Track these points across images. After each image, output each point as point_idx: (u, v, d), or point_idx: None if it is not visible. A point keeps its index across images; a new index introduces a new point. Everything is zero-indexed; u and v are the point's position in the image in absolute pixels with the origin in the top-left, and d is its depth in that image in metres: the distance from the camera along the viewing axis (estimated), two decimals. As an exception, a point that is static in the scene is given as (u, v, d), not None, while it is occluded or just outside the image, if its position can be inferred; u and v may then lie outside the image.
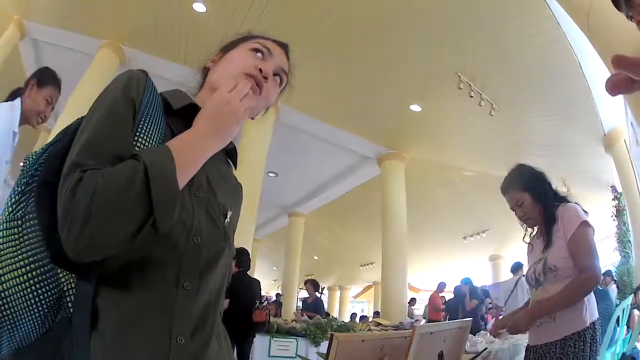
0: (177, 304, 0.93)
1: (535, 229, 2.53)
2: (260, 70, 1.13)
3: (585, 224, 2.24)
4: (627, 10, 1.51)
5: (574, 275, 2.20)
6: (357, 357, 1.63)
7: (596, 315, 2.25)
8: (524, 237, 2.60)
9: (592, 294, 2.27)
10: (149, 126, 0.94)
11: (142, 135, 0.92)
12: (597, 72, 7.10)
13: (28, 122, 2.86)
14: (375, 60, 7.71)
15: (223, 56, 1.19)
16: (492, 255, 20.97)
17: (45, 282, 0.87)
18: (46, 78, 2.89)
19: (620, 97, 2.58)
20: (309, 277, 10.72)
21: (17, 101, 2.78)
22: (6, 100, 2.82)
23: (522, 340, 3.02)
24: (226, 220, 1.09)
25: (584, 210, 2.32)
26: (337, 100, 8.88)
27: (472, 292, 12.08)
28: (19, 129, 2.78)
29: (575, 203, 2.36)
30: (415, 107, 9.11)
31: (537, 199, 2.39)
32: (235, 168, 1.25)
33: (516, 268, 9.05)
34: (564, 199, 2.40)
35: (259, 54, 1.17)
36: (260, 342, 6.26)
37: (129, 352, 0.86)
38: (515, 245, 18.85)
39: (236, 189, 1.23)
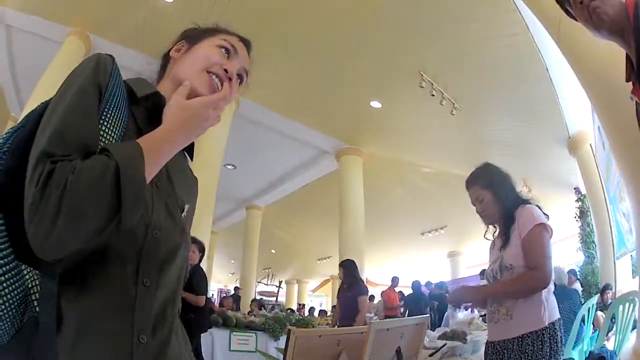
0: (138, 301, 0.92)
1: (497, 227, 2.57)
2: (226, 70, 1.13)
3: (541, 226, 2.28)
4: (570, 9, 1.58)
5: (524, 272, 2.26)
6: (314, 352, 1.64)
7: (556, 316, 2.29)
8: (485, 234, 2.64)
9: (552, 294, 2.32)
10: (113, 113, 0.92)
11: (105, 124, 0.90)
12: (564, 75, 7.20)
13: None
14: (337, 56, 7.72)
15: (189, 49, 1.17)
16: (450, 252, 21.35)
17: (12, 280, 0.84)
18: None
19: (587, 101, 2.67)
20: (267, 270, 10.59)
21: None
22: None
23: (482, 336, 3.06)
24: (183, 214, 1.08)
25: (544, 214, 2.36)
26: (298, 94, 8.86)
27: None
28: None
29: (537, 206, 2.40)
30: (376, 104, 9.16)
31: (497, 198, 2.43)
32: (192, 160, 1.24)
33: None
34: (526, 202, 2.44)
35: (225, 52, 1.16)
36: (220, 337, 6.21)
37: (92, 354, 0.85)
38: (474, 241, 19.20)
39: (193, 182, 1.23)
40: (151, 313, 0.95)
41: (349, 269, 6.22)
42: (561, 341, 2.24)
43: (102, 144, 0.87)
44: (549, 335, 2.19)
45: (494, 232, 2.60)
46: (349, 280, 6.14)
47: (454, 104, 8.75)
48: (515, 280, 2.24)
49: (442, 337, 2.60)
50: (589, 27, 1.58)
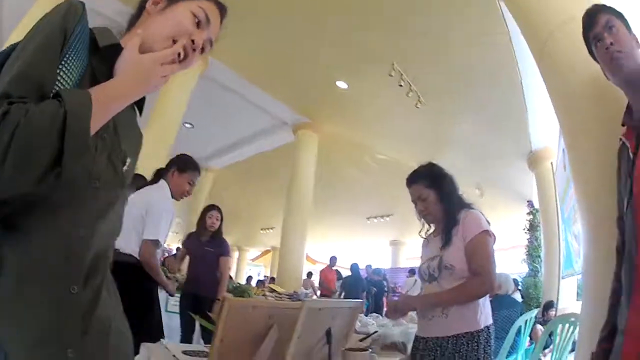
0: (73, 251, 0.93)
1: (433, 226, 2.61)
2: (193, 41, 1.13)
3: (486, 232, 2.32)
4: (601, 34, 1.71)
5: (469, 277, 2.30)
6: (247, 323, 1.66)
7: (490, 321, 2.35)
8: (420, 232, 2.67)
9: (487, 301, 2.38)
10: (72, 60, 0.93)
11: (64, 69, 0.91)
12: (537, 91, 7.24)
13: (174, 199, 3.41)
14: (312, 31, 7.61)
15: (166, 7, 1.16)
16: (393, 240, 21.70)
17: None
18: (186, 164, 3.49)
19: (556, 122, 2.74)
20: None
21: (163, 183, 3.34)
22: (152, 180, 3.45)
23: (415, 328, 3.17)
24: (124, 168, 1.09)
25: (487, 221, 2.40)
26: (267, 63, 8.72)
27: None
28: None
29: (480, 212, 2.44)
30: (342, 84, 9.13)
31: (441, 198, 2.46)
32: (140, 115, 1.23)
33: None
34: (468, 206, 2.49)
35: (197, 21, 1.16)
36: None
37: (25, 304, 0.86)
38: (417, 234, 19.53)
39: (138, 137, 1.23)
40: (85, 263, 0.96)
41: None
42: (491, 347, 2.30)
43: (57, 88, 0.88)
44: (484, 338, 2.26)
45: (428, 231, 2.65)
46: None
47: (420, 97, 8.78)
48: (462, 288, 2.27)
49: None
50: (606, 70, 1.73)
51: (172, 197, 3.38)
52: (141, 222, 3.13)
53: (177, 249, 15.38)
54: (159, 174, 3.51)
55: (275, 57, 8.45)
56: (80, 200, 0.95)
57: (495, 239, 2.36)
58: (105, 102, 0.92)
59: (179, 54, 1.10)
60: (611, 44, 1.66)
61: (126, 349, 1.14)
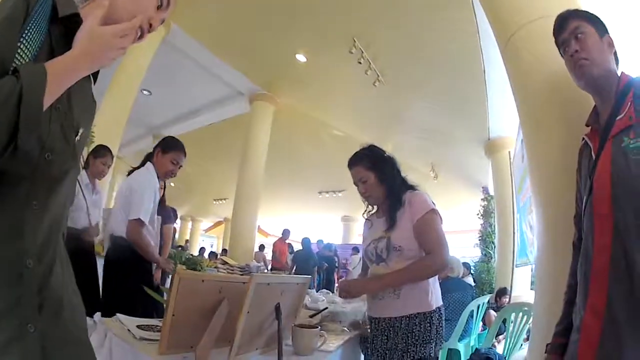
0: (26, 224, 0.93)
1: (375, 207, 2.64)
2: (150, 24, 1.15)
3: (433, 211, 2.35)
4: (568, 41, 1.76)
5: (418, 256, 2.33)
6: (198, 296, 1.67)
7: (441, 303, 2.40)
8: (363, 214, 2.70)
9: (437, 282, 2.43)
10: (32, 33, 0.93)
11: (24, 42, 0.91)
12: (500, 83, 7.37)
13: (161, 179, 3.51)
14: (275, 2, 7.49)
15: None
16: (344, 216, 21.93)
17: None
18: (170, 145, 3.55)
19: (516, 115, 2.80)
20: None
21: (149, 164, 3.43)
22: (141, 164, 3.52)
23: (365, 307, 3.22)
24: (77, 138, 1.08)
25: (432, 202, 2.42)
26: (227, 31, 8.53)
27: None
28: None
29: (425, 193, 2.47)
30: (301, 57, 9.06)
31: (381, 180, 2.48)
32: (94, 83, 1.23)
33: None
34: (412, 187, 2.51)
35: (159, 4, 1.17)
36: None
37: None
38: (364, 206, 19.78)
39: (91, 106, 1.21)
40: (39, 237, 0.96)
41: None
42: (443, 329, 2.37)
43: (16, 61, 0.88)
44: (436, 319, 2.32)
45: (370, 212, 2.68)
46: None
47: (378, 76, 8.79)
48: (414, 266, 2.30)
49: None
50: (571, 75, 1.77)
51: (158, 177, 3.43)
52: (127, 205, 3.19)
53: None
54: (147, 158, 3.62)
55: (236, 26, 8.30)
56: (34, 173, 0.94)
57: (442, 218, 2.41)
58: (60, 75, 0.92)
59: (137, 34, 1.11)
60: (576, 51, 1.71)
61: (80, 322, 1.14)
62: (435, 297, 2.36)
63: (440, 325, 2.34)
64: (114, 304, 2.66)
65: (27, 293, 0.91)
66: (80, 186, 4.00)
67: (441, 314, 2.36)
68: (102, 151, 4.43)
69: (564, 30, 1.79)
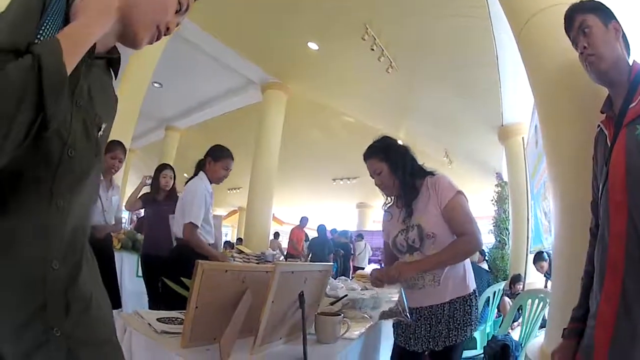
0: (51, 224, 0.92)
1: (393, 198, 2.62)
2: (168, 27, 1.15)
3: (460, 193, 2.34)
4: (577, 38, 1.76)
5: (452, 240, 2.32)
6: (221, 286, 1.67)
7: (474, 285, 2.42)
8: (383, 206, 2.69)
9: (469, 264, 2.43)
10: (49, 28, 0.90)
11: (40, 39, 0.88)
12: (513, 69, 7.24)
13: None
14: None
15: None
16: (359, 203, 21.89)
17: None
18: (218, 153, 3.95)
19: (529, 100, 2.78)
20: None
21: (201, 174, 3.89)
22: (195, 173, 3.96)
23: (384, 294, 3.14)
24: (100, 133, 1.07)
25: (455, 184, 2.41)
26: (237, 21, 8.50)
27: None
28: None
29: (446, 176, 2.44)
30: (313, 45, 9.01)
31: (393, 171, 2.46)
32: (115, 78, 1.21)
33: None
34: (430, 173, 2.49)
35: (179, 8, 1.18)
36: (129, 261, 6.05)
37: (7, 279, 0.85)
38: (383, 197, 19.72)
39: (113, 101, 1.20)
40: (63, 237, 0.96)
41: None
42: (478, 310, 2.42)
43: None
44: (474, 301, 2.35)
45: (388, 204, 2.67)
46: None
47: (391, 62, 8.69)
48: (451, 248, 2.29)
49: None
50: (584, 68, 1.78)
51: (211, 182, 3.91)
52: (183, 211, 3.68)
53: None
54: (199, 166, 4.03)
55: (247, 16, 8.26)
56: (57, 171, 0.93)
57: (467, 199, 2.39)
58: (75, 34, 0.91)
59: (156, 35, 1.13)
60: (585, 47, 1.72)
61: (107, 321, 1.13)
62: (470, 279, 2.39)
63: (476, 307, 2.38)
64: (172, 299, 2.73)
65: (53, 295, 0.91)
66: None
67: (477, 295, 2.41)
68: (110, 145, 4.36)
69: (572, 27, 1.80)
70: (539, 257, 7.16)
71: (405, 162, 2.50)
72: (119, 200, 4.76)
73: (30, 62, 0.78)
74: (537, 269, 7.21)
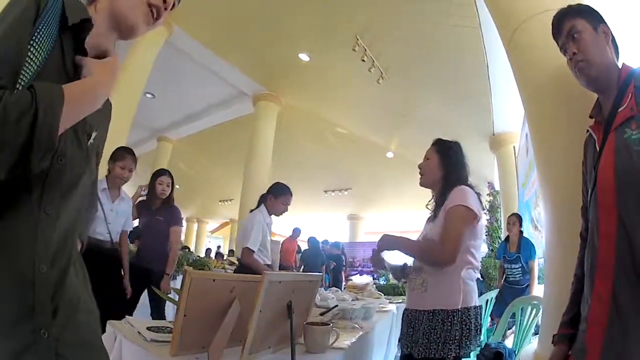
0: (40, 230, 0.92)
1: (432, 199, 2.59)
2: (165, 0, 1.14)
3: (462, 207, 2.25)
4: (566, 43, 1.75)
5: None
6: (209, 295, 1.66)
7: (473, 303, 2.29)
8: (427, 205, 2.62)
9: (473, 281, 2.32)
10: (43, 36, 0.91)
11: (34, 45, 0.89)
12: (503, 78, 7.30)
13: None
14: (276, 1, 7.51)
15: None
16: (351, 214, 21.88)
17: None
18: (279, 191, 4.64)
19: (520, 109, 2.79)
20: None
21: (262, 207, 4.58)
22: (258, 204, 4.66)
23: (374, 303, 3.16)
24: (89, 141, 1.07)
25: (478, 200, 2.36)
26: (229, 33, 8.54)
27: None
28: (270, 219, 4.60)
29: (472, 190, 2.37)
30: (304, 56, 9.07)
31: (441, 166, 2.48)
32: None
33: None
34: (467, 184, 2.43)
35: None
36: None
37: None
38: (375, 208, 19.78)
39: (106, 106, 1.20)
40: (52, 243, 0.95)
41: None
42: (476, 330, 2.24)
43: (26, 65, 0.87)
44: (460, 319, 2.19)
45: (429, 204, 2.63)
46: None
47: (382, 73, 8.79)
48: (422, 244, 2.32)
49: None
50: (573, 73, 1.78)
51: (270, 214, 4.57)
52: (243, 237, 4.33)
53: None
54: (261, 200, 4.69)
55: (239, 27, 8.31)
56: (46, 179, 0.93)
57: (476, 218, 2.29)
58: (78, 100, 0.92)
59: (152, 14, 1.13)
60: (574, 53, 1.71)
61: (94, 326, 1.13)
62: (464, 296, 2.25)
63: (466, 326, 2.20)
64: None
65: (40, 299, 0.90)
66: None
67: (469, 315, 2.23)
68: (119, 153, 4.15)
69: (560, 33, 1.78)
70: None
71: (456, 168, 2.51)
72: (129, 211, 4.39)
73: (26, 107, 0.79)
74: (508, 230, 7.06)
